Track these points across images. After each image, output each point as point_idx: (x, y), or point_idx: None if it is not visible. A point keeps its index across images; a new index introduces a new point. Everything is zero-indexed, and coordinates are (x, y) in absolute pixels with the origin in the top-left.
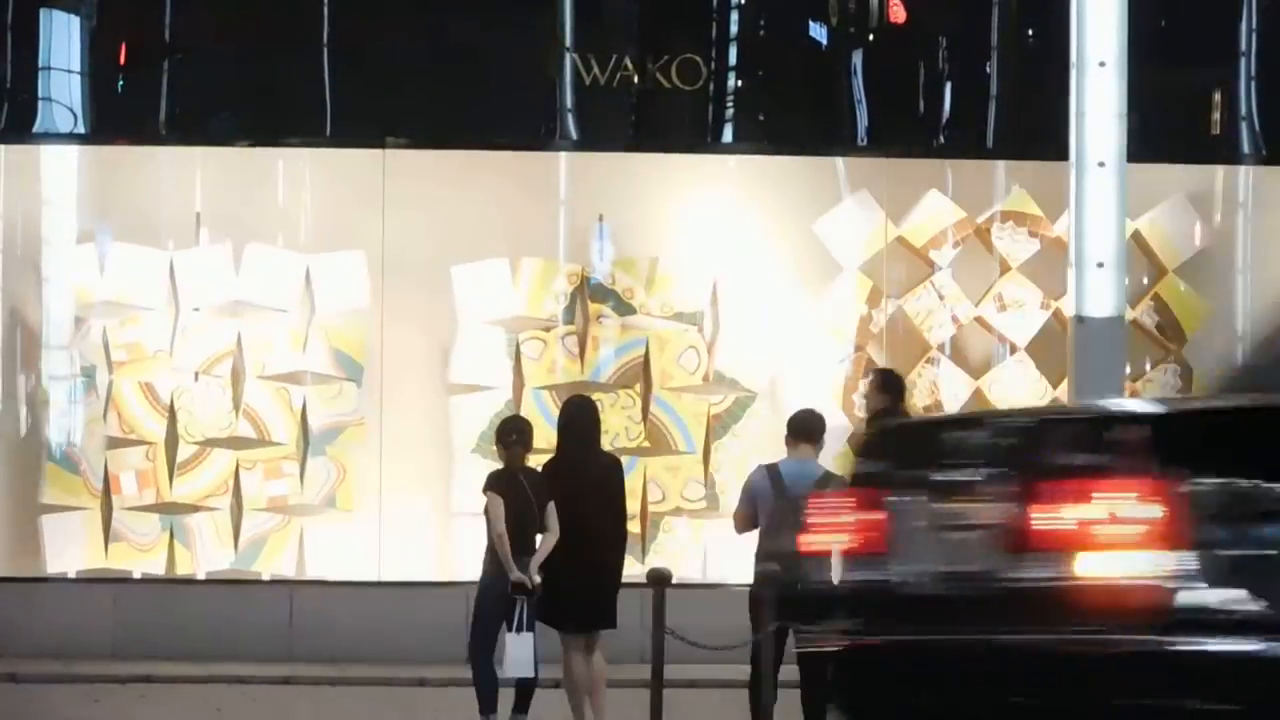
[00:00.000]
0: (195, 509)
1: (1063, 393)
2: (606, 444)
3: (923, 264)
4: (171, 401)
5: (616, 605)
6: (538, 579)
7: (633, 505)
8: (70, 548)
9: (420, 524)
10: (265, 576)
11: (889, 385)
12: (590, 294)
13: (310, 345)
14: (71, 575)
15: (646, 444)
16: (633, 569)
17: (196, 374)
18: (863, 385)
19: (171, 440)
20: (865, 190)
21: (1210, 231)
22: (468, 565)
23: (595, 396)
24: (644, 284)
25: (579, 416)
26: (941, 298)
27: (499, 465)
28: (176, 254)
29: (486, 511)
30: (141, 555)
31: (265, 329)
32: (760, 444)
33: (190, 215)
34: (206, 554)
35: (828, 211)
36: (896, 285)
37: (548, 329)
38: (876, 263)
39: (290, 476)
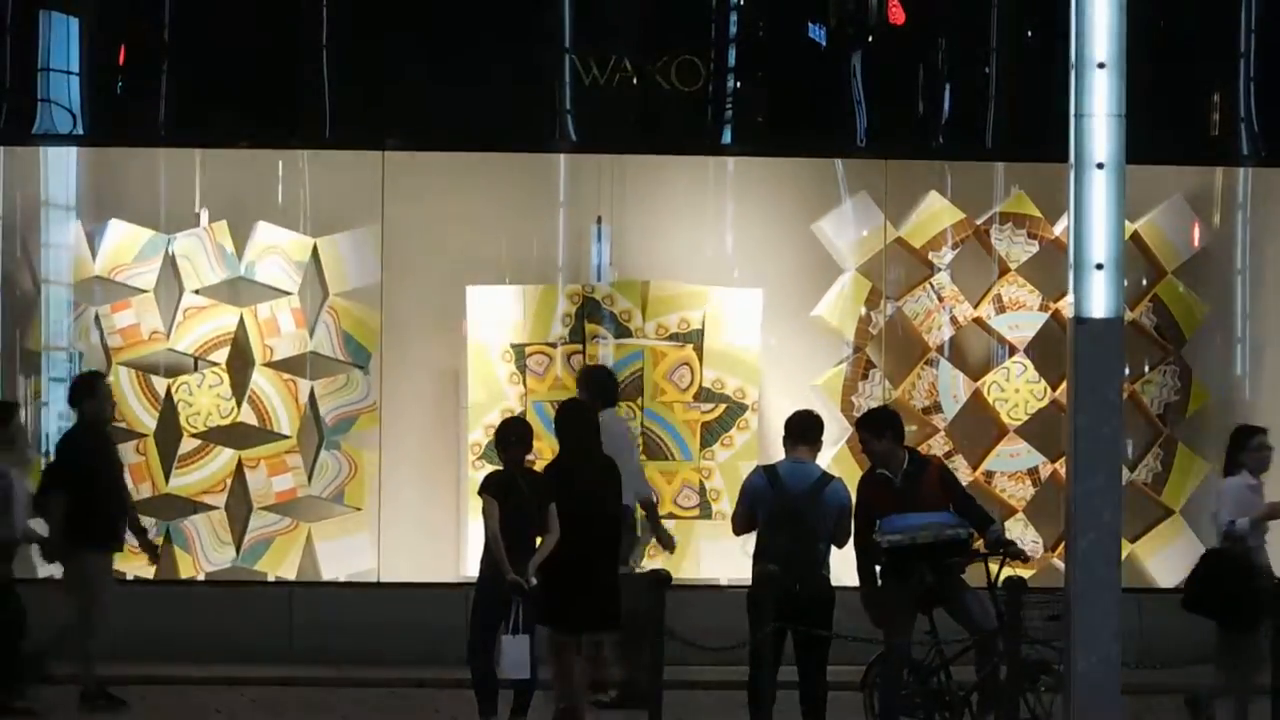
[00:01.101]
0: (195, 506)
1: (1061, 395)
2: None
3: (922, 265)
4: (169, 391)
5: (620, 607)
6: (534, 580)
7: None
8: None
9: (421, 524)
10: (271, 577)
11: (597, 381)
12: (589, 315)
13: (317, 328)
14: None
15: (643, 456)
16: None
17: (195, 360)
18: (863, 385)
19: (168, 432)
20: (864, 191)
21: (1209, 232)
22: (469, 566)
23: None
24: (640, 307)
25: (575, 418)
26: (940, 299)
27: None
28: (176, 238)
29: (484, 514)
30: (138, 555)
31: (268, 313)
32: (753, 450)
33: (189, 216)
34: (208, 553)
35: (826, 211)
36: (895, 286)
37: (552, 345)
38: (876, 264)
39: (296, 470)
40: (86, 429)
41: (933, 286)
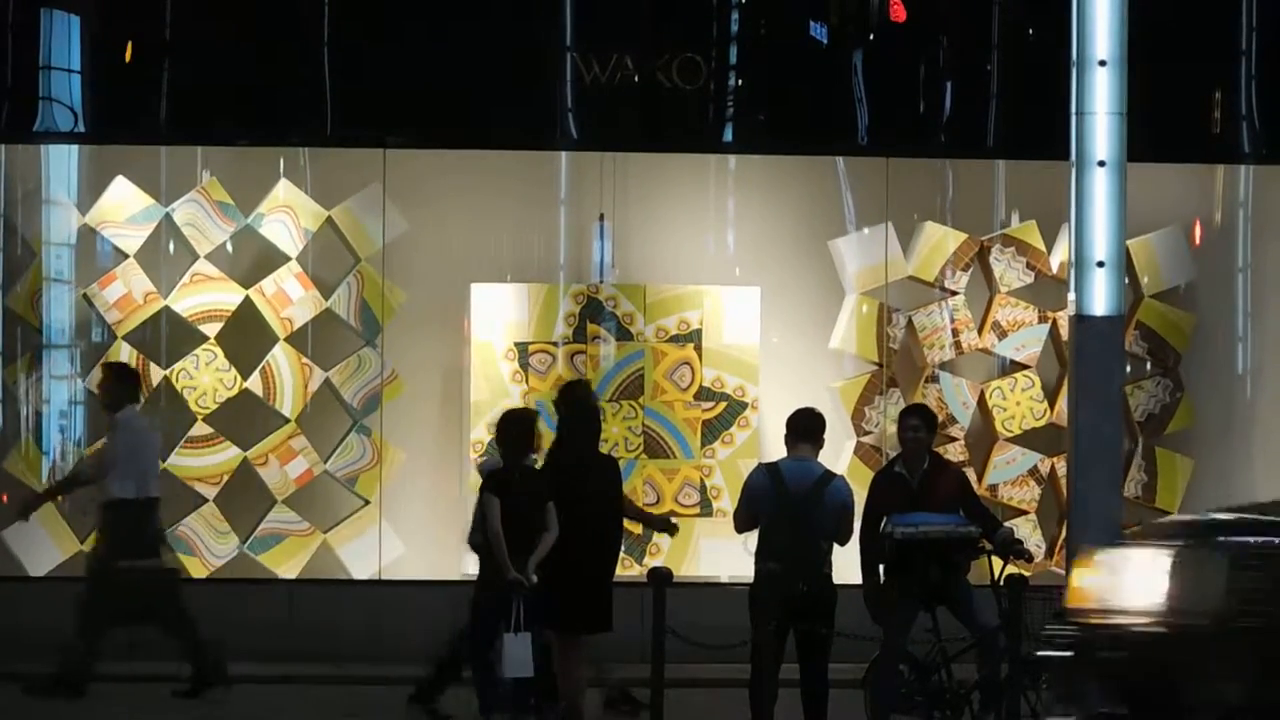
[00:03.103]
0: (192, 495)
1: (1060, 418)
2: (605, 452)
3: (937, 291)
4: (166, 379)
5: (612, 608)
6: (534, 578)
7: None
8: (50, 542)
9: (423, 522)
10: (280, 574)
11: (121, 378)
12: (592, 316)
13: (339, 289)
14: (56, 567)
15: (645, 455)
16: (630, 570)
17: (195, 329)
18: (879, 399)
19: (175, 417)
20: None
21: (1210, 231)
22: (471, 564)
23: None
24: (643, 310)
25: (576, 416)
26: (952, 320)
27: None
28: (175, 207)
29: (484, 511)
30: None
31: (274, 288)
32: (753, 447)
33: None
34: (211, 547)
35: (827, 209)
36: (906, 307)
37: (555, 344)
38: (889, 290)
39: (306, 450)
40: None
41: (948, 306)
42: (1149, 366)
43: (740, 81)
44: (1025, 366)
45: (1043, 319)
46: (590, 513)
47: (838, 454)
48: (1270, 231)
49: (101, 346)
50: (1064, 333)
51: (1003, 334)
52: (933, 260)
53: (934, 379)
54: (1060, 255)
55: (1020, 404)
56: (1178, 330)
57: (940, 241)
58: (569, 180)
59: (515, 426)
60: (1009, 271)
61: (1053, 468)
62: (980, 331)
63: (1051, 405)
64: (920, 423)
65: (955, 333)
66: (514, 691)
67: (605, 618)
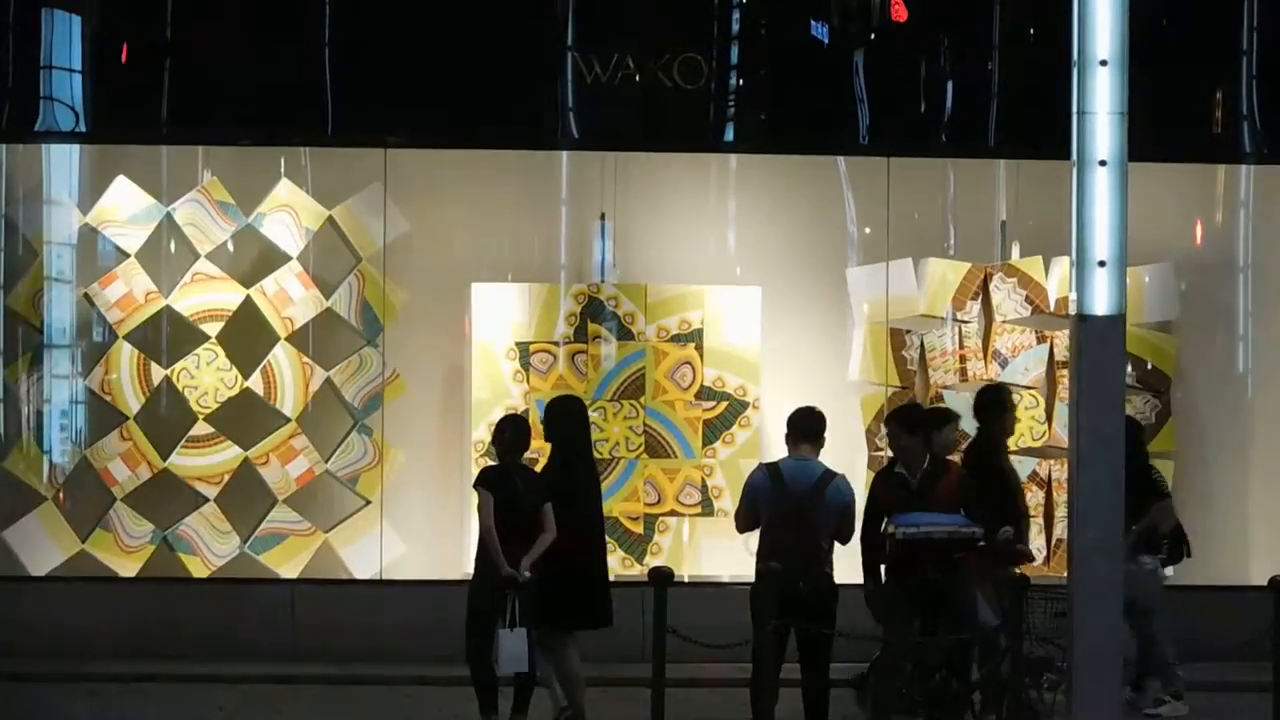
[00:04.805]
0: (194, 494)
1: (1058, 440)
2: (606, 453)
3: (950, 321)
4: (167, 379)
5: (612, 603)
6: (527, 574)
7: (635, 507)
8: (50, 542)
9: (424, 521)
10: (282, 573)
11: None
12: (593, 315)
13: (340, 289)
14: (56, 567)
15: (646, 455)
16: (630, 569)
17: (195, 328)
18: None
19: (154, 417)
20: (866, 190)
21: (1211, 230)
22: (471, 563)
23: (597, 407)
24: (644, 309)
25: (568, 416)
26: (962, 347)
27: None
28: (175, 207)
29: (477, 508)
30: (143, 551)
31: (275, 287)
32: (754, 447)
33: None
34: (211, 547)
35: (828, 209)
36: (909, 323)
37: (556, 344)
38: (900, 322)
39: (307, 450)
40: (995, 447)
41: (959, 330)
42: (1141, 393)
43: (740, 81)
44: (1030, 388)
45: (1041, 339)
46: (586, 513)
47: (850, 466)
48: (1270, 232)
49: (103, 346)
50: (1059, 353)
51: (1004, 362)
52: (939, 297)
53: (939, 399)
54: (1058, 290)
55: (1021, 420)
56: (1161, 353)
57: (943, 277)
58: (569, 180)
59: (510, 426)
60: (1007, 302)
61: (1050, 471)
62: (986, 361)
63: (1049, 426)
64: (901, 430)
65: (962, 359)
66: (514, 690)
67: (606, 613)
